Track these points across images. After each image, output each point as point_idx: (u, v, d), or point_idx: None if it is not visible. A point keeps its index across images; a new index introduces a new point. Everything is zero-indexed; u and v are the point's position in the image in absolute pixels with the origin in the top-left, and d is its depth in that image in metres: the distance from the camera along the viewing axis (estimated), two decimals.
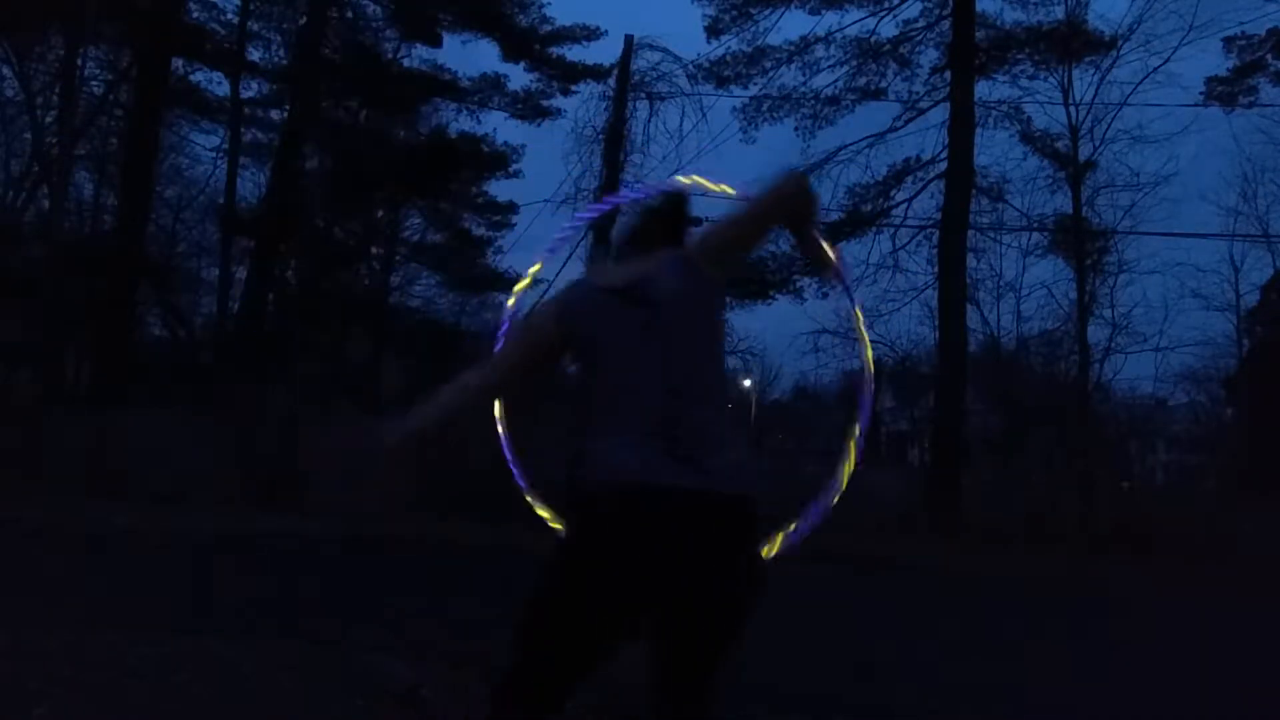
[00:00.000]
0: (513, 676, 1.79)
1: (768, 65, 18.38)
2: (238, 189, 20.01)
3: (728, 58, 18.33)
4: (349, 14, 19.79)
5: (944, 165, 17.13)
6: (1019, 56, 18.12)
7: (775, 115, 18.61)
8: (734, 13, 18.30)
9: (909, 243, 18.11)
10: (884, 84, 18.31)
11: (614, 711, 3.62)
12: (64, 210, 18.40)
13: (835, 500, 2.15)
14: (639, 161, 17.45)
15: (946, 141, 16.99)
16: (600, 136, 17.38)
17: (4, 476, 12.20)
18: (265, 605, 6.12)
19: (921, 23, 17.98)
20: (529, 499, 2.34)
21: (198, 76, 20.16)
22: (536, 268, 2.73)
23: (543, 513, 2.27)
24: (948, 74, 17.28)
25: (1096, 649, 6.27)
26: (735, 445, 1.85)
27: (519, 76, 20.29)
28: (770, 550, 2.00)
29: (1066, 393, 19.10)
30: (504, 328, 2.41)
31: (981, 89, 17.60)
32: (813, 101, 18.34)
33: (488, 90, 20.32)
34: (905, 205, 18.27)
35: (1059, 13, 17.86)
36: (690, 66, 18.04)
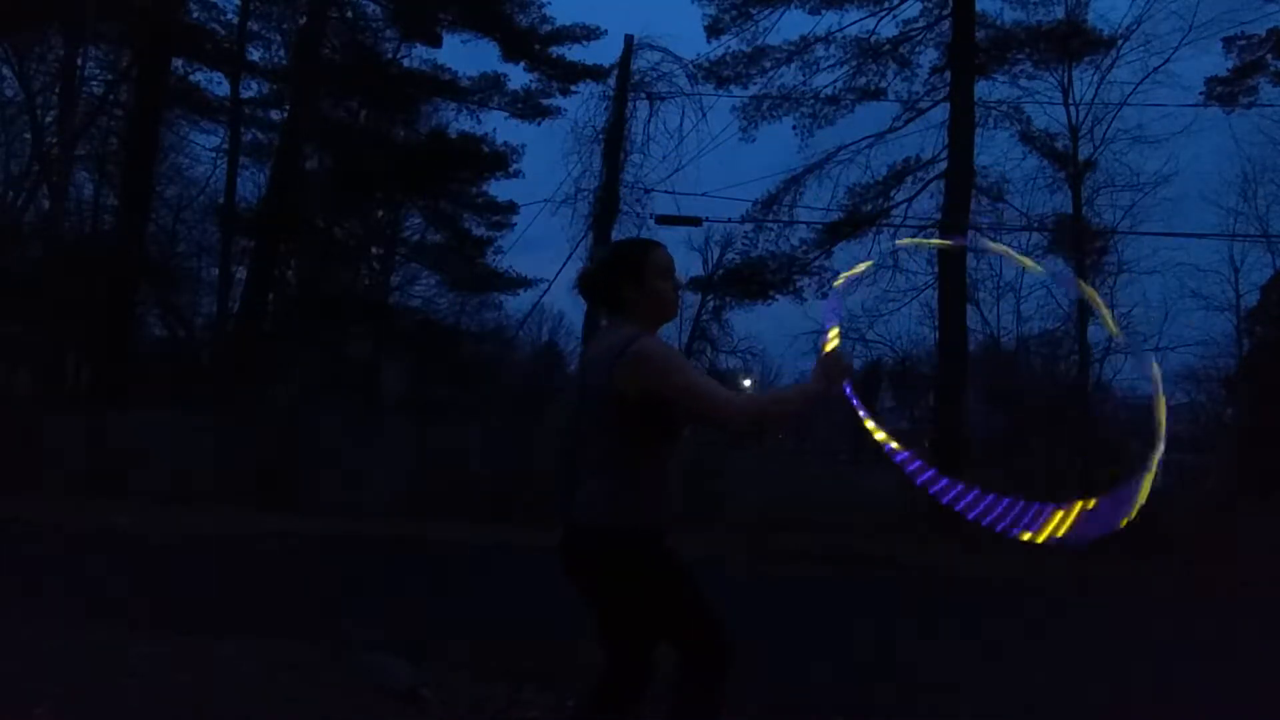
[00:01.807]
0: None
1: (767, 65, 18.37)
2: (238, 189, 19.98)
3: (727, 57, 18.32)
4: (349, 14, 19.79)
5: (944, 165, 17.12)
6: (1019, 56, 18.11)
7: (775, 115, 18.60)
8: (734, 12, 18.29)
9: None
10: (884, 84, 18.30)
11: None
12: (64, 210, 18.39)
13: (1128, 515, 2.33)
14: (639, 161, 17.48)
15: (946, 141, 16.99)
16: (600, 136, 17.38)
17: (4, 476, 12.20)
18: (265, 605, 6.12)
19: (921, 23, 17.97)
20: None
21: (198, 76, 20.13)
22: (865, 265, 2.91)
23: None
24: (948, 74, 17.27)
25: (1096, 649, 6.27)
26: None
27: (519, 76, 20.31)
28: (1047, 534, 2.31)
29: (1066, 393, 19.09)
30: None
31: (981, 89, 17.59)
32: (812, 101, 18.33)
33: (488, 90, 20.29)
34: (905, 205, 18.27)
35: (1059, 12, 17.85)
36: (690, 66, 18.05)
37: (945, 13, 17.44)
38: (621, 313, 2.43)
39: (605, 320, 2.54)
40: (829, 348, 2.40)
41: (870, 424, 2.47)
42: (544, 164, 26.68)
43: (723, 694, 2.37)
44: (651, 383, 2.24)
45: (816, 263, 18.65)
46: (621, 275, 2.43)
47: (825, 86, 18.29)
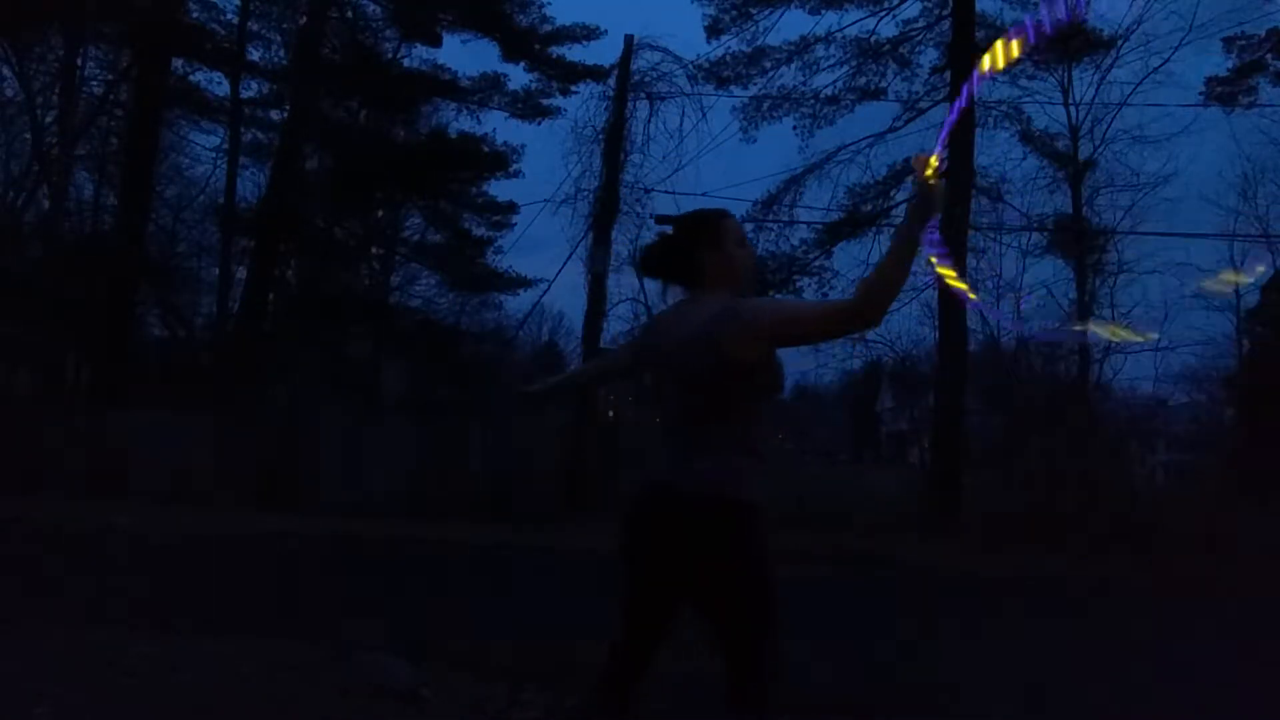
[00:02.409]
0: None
1: (767, 65, 18.37)
2: (238, 189, 19.99)
3: (728, 58, 18.32)
4: (349, 14, 19.78)
5: (944, 165, 17.11)
6: (1019, 56, 18.11)
7: (775, 115, 18.59)
8: (734, 13, 18.29)
9: None
10: (884, 84, 18.30)
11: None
12: (64, 210, 18.40)
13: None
14: (639, 161, 17.47)
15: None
16: (600, 136, 17.38)
17: (4, 476, 12.20)
18: (265, 605, 6.12)
19: (921, 23, 17.97)
20: None
21: (198, 76, 20.12)
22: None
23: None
24: (948, 74, 17.28)
25: (1096, 649, 6.28)
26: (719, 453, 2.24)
27: (519, 76, 20.31)
28: None
29: (1066, 393, 19.10)
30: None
31: (981, 89, 17.59)
32: (812, 101, 18.33)
33: (488, 90, 20.30)
34: (905, 205, 18.25)
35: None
36: (690, 66, 18.04)
37: (945, 13, 17.44)
38: (699, 283, 2.37)
39: (680, 295, 2.43)
40: (930, 168, 2.28)
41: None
42: (544, 164, 26.77)
43: None
44: (771, 332, 2.19)
45: (816, 263, 18.64)
46: (701, 241, 2.38)
47: (825, 86, 18.30)
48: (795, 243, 18.69)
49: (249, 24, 19.86)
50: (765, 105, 18.52)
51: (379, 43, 20.28)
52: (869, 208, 18.48)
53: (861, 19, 18.03)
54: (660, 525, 2.25)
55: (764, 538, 2.23)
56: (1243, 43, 17.94)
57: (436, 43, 20.18)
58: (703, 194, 21.99)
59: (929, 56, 18.04)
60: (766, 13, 18.22)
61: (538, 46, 19.66)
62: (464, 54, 26.81)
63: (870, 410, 41.50)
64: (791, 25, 39.72)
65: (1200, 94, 18.37)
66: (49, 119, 19.28)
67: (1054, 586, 9.90)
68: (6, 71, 18.65)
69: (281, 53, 20.11)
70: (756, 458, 2.26)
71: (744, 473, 2.23)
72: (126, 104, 19.21)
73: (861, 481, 19.66)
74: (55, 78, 18.80)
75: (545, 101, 20.10)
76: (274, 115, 20.83)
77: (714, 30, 18.37)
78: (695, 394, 2.27)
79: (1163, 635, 7.05)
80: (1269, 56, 17.78)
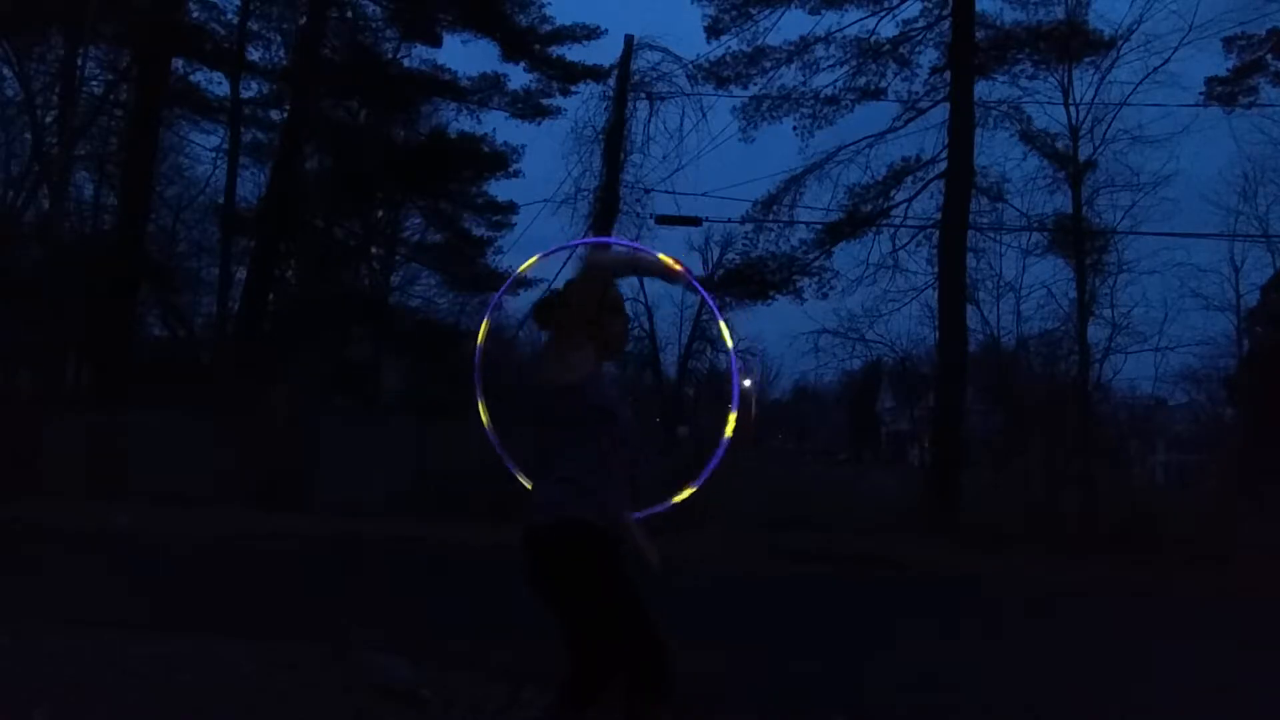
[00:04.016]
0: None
1: (767, 65, 18.37)
2: (238, 189, 19.98)
3: (727, 58, 18.32)
4: (349, 14, 19.79)
5: (944, 165, 17.11)
6: (1019, 56, 18.11)
7: (775, 115, 18.60)
8: (734, 13, 18.29)
9: (909, 243, 18.11)
10: (884, 84, 18.29)
11: None
12: (64, 210, 18.38)
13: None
14: (639, 161, 17.47)
15: (946, 141, 16.98)
16: (600, 136, 17.37)
17: (4, 476, 12.20)
18: (265, 605, 6.13)
19: (921, 23, 17.96)
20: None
21: (198, 76, 20.13)
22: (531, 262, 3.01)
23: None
24: (948, 74, 17.27)
25: (1095, 648, 6.28)
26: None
27: (519, 76, 20.31)
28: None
29: (1066, 393, 19.08)
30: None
31: (981, 89, 17.57)
32: (812, 101, 18.33)
33: (488, 90, 20.31)
34: (905, 205, 18.26)
35: (1059, 13, 17.83)
36: (690, 66, 18.03)
37: (945, 13, 17.43)
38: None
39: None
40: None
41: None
42: (544, 164, 26.69)
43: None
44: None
45: (816, 263, 18.66)
46: (571, 301, 2.60)
47: (825, 87, 18.30)
48: (795, 243, 18.72)
49: (249, 24, 19.87)
50: (765, 105, 18.53)
51: (379, 43, 20.29)
52: (869, 208, 18.48)
53: (861, 19, 18.04)
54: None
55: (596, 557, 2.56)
56: (1243, 43, 17.94)
57: (436, 43, 20.20)
58: (703, 194, 22.09)
59: (929, 56, 18.06)
60: (766, 13, 18.23)
61: (538, 46, 19.67)
62: (464, 54, 26.78)
63: (870, 410, 41.53)
64: (791, 25, 39.71)
65: (1200, 94, 18.37)
66: (49, 119, 19.28)
67: (1054, 587, 9.90)
68: (6, 71, 18.67)
69: (281, 53, 20.11)
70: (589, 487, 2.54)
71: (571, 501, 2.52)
72: (126, 104, 19.21)
73: (861, 481, 19.66)
74: (55, 78, 18.80)
75: (545, 101, 20.12)
76: (274, 115, 20.85)
77: (714, 30, 18.37)
78: (550, 431, 2.58)
79: (1163, 636, 7.06)
80: (1269, 56, 17.77)
